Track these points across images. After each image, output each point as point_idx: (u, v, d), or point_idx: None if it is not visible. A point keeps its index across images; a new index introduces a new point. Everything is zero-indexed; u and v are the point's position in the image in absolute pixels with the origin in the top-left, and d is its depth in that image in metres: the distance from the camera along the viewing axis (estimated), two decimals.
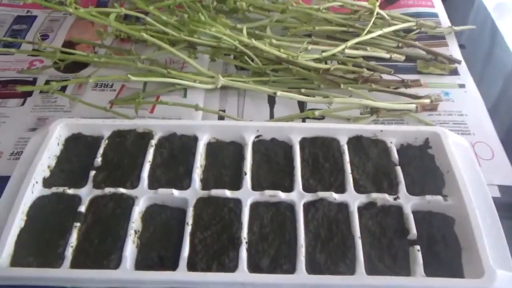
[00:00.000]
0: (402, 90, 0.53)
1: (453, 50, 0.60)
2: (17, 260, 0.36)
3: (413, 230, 0.37)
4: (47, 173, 0.42)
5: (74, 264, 0.36)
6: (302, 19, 0.61)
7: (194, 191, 0.40)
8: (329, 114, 0.50)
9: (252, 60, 0.53)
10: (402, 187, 0.40)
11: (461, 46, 0.61)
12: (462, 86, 0.55)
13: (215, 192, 0.40)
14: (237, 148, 0.45)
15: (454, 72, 0.57)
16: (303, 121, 0.51)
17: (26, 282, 0.35)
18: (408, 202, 0.39)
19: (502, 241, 0.36)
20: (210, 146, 0.45)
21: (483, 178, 0.41)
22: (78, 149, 0.45)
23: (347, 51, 0.54)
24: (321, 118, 0.51)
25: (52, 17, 0.66)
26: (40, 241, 0.37)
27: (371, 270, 0.36)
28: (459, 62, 0.57)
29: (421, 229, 0.38)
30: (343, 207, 0.39)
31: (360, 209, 0.39)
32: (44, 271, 0.35)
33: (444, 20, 0.65)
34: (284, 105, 0.53)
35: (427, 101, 0.50)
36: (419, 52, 0.59)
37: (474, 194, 0.39)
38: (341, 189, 0.41)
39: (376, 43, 0.58)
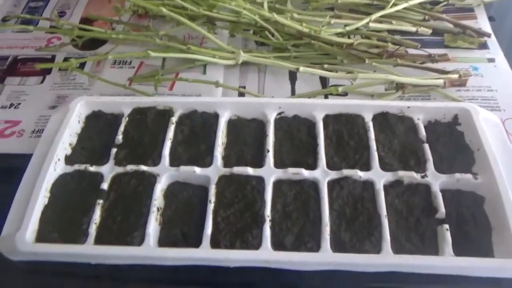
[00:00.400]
0: (429, 65, 0.51)
1: (482, 23, 0.57)
2: (42, 236, 0.36)
3: (442, 209, 0.36)
4: (68, 151, 0.42)
5: (98, 241, 0.36)
6: None
7: (216, 169, 0.40)
8: (352, 90, 0.49)
9: (273, 35, 0.52)
10: (430, 164, 0.39)
11: (491, 19, 0.58)
12: (491, 60, 0.53)
13: (237, 169, 0.39)
14: (259, 125, 0.44)
15: (483, 46, 0.54)
16: (326, 97, 0.49)
17: (51, 258, 0.35)
18: (436, 180, 0.38)
19: None
20: (231, 123, 0.44)
21: None
22: (98, 126, 0.44)
23: (371, 24, 0.52)
24: (344, 94, 0.50)
25: None
26: (64, 218, 0.37)
27: (398, 249, 0.35)
28: (488, 35, 0.55)
29: (450, 208, 0.37)
30: (369, 185, 0.38)
31: (386, 187, 0.38)
32: (69, 247, 0.35)
33: None
34: (305, 81, 0.52)
35: (456, 76, 0.48)
36: (446, 25, 0.56)
37: (506, 172, 0.38)
38: (366, 167, 0.39)
39: (401, 16, 0.56)
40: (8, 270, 0.37)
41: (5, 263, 0.36)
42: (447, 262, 0.34)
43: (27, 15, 0.60)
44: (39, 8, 0.64)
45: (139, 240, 0.36)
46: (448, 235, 0.35)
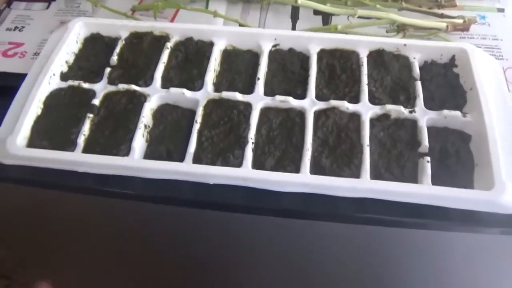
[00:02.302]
0: (435, 10, 0.50)
1: None
2: (33, 142, 0.38)
3: (425, 142, 0.36)
4: (65, 68, 0.43)
5: (85, 151, 0.37)
6: None
7: (206, 93, 0.40)
8: (352, 31, 0.48)
9: None
10: (420, 101, 0.39)
11: None
12: (501, 10, 0.51)
13: (226, 94, 0.40)
14: (254, 56, 0.44)
15: None
16: None
17: (40, 163, 0.37)
18: (423, 116, 0.38)
19: None
20: (226, 52, 0.44)
21: (510, 101, 0.39)
22: (96, 48, 0.45)
23: None
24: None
25: None
26: (55, 128, 0.39)
27: (377, 177, 0.35)
28: None
29: (435, 143, 0.37)
30: (355, 117, 0.38)
31: (373, 121, 0.38)
32: (57, 153, 0.36)
33: None
34: (307, 21, 0.51)
35: (460, 21, 0.47)
36: None
37: (496, 113, 0.37)
38: (355, 100, 0.39)
39: None
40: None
41: None
42: (423, 189, 0.34)
43: None
44: None
45: (125, 153, 0.37)
46: (428, 167, 0.35)
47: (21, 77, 0.46)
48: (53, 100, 0.40)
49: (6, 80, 0.47)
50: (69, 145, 0.37)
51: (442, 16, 0.49)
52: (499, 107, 0.38)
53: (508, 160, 0.35)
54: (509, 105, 0.39)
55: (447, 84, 0.41)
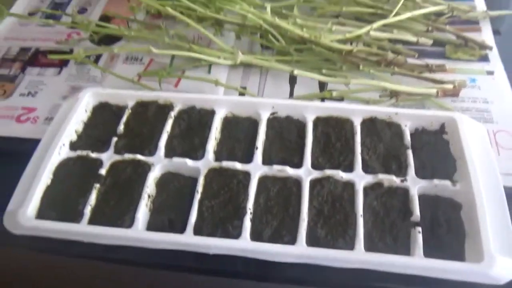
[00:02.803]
0: (426, 75, 0.52)
1: (486, 35, 0.58)
2: (42, 213, 0.40)
3: (417, 212, 0.38)
4: (74, 137, 0.45)
5: (92, 221, 0.39)
6: (330, 0, 0.60)
7: (207, 162, 0.42)
8: (347, 96, 0.50)
9: (277, 40, 0.54)
10: (411, 170, 0.40)
11: (496, 32, 0.58)
12: (490, 73, 0.53)
13: (226, 164, 0.42)
14: (252, 123, 0.46)
15: (484, 59, 0.55)
16: (322, 101, 0.51)
17: (48, 234, 0.39)
18: (415, 185, 0.39)
19: (509, 230, 0.36)
20: (226, 120, 0.46)
21: (497, 167, 0.40)
22: (103, 116, 0.48)
23: (372, 33, 0.54)
24: (340, 99, 0.51)
25: None
26: (63, 198, 0.41)
27: (371, 248, 0.36)
28: (490, 48, 0.55)
29: (426, 212, 0.38)
30: (349, 186, 0.40)
31: (366, 189, 0.40)
32: (64, 225, 0.38)
33: (480, 3, 0.62)
34: (305, 85, 0.54)
35: (449, 86, 0.49)
36: (449, 36, 0.57)
37: (485, 181, 0.39)
38: (349, 168, 0.41)
39: (405, 27, 0.57)
40: (11, 243, 0.40)
41: (9, 237, 0.40)
42: (415, 262, 0.35)
43: (51, 10, 0.65)
44: (64, 5, 0.68)
45: (129, 223, 0.39)
46: (420, 237, 0.36)
47: (33, 142, 0.48)
48: (62, 170, 0.43)
49: (19, 145, 0.50)
50: (76, 216, 0.39)
51: (433, 81, 0.51)
52: (487, 175, 0.39)
53: (498, 230, 0.36)
54: (497, 172, 0.40)
55: (438, 151, 0.42)
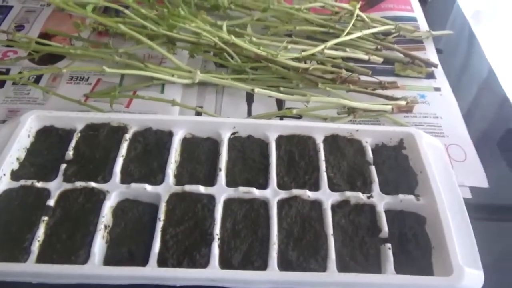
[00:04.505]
0: (379, 91, 0.54)
1: (431, 54, 0.61)
2: None
3: (385, 228, 0.38)
4: (16, 166, 0.41)
5: (41, 259, 0.35)
6: (283, 19, 0.61)
7: (168, 186, 0.40)
8: (306, 113, 0.50)
9: (232, 58, 0.53)
10: (376, 186, 0.41)
11: (439, 51, 0.62)
12: (437, 89, 0.56)
13: (189, 187, 0.39)
14: (213, 144, 0.44)
15: (431, 76, 0.58)
16: (281, 119, 0.51)
17: None
18: (381, 201, 0.39)
19: (472, 241, 0.37)
20: (185, 141, 0.44)
21: (455, 180, 0.42)
22: (49, 142, 0.43)
23: (326, 51, 0.55)
24: (299, 117, 0.51)
25: (28, 7, 0.65)
26: (6, 235, 0.36)
27: (343, 267, 0.36)
28: (435, 65, 0.58)
29: (393, 227, 0.38)
30: (317, 205, 0.39)
31: (334, 207, 0.39)
32: (8, 266, 0.34)
33: (423, 24, 0.65)
34: (262, 103, 0.53)
35: (403, 102, 0.51)
36: (397, 55, 0.59)
37: (446, 195, 0.39)
38: (315, 187, 0.41)
39: (356, 45, 0.59)
40: None
41: None
42: (388, 279, 0.35)
43: None
44: None
45: (84, 258, 0.35)
46: (390, 253, 0.36)
47: None
48: (4, 203, 0.38)
49: None
50: (22, 254, 0.35)
51: (386, 97, 0.52)
52: (447, 188, 0.40)
53: (462, 242, 0.37)
54: (456, 184, 0.41)
55: (399, 166, 0.43)
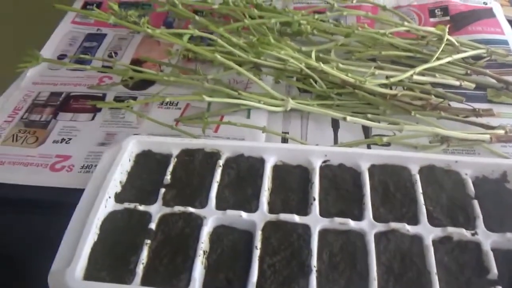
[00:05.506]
0: (473, 119, 0.51)
1: None
2: (91, 273, 0.37)
3: (494, 269, 0.35)
4: (119, 188, 0.43)
5: (145, 281, 0.36)
6: (366, 43, 0.60)
7: (263, 215, 0.40)
8: (397, 141, 0.49)
9: (316, 83, 0.53)
10: (480, 222, 0.38)
11: None
12: None
13: (284, 216, 0.40)
14: (304, 172, 0.44)
15: None
16: (368, 147, 0.50)
17: None
18: (487, 239, 0.37)
19: None
20: (276, 168, 0.45)
21: None
22: (147, 165, 0.45)
23: (415, 77, 0.53)
24: (387, 145, 0.50)
25: (120, 35, 0.69)
26: (112, 256, 0.38)
27: None
28: None
29: (502, 268, 0.36)
30: (417, 240, 0.38)
31: (435, 243, 0.38)
32: (116, 287, 0.36)
33: None
34: (348, 130, 0.52)
35: (502, 132, 0.48)
36: (489, 80, 0.57)
37: None
38: (414, 220, 0.39)
39: (444, 70, 0.57)
40: None
41: None
42: None
43: (82, 54, 0.64)
44: (93, 48, 0.67)
45: (185, 283, 0.36)
46: None
47: (70, 192, 0.46)
48: (109, 224, 0.40)
49: (55, 196, 0.48)
50: (128, 275, 0.37)
51: (481, 125, 0.50)
52: None
53: None
54: None
55: (503, 201, 0.41)
